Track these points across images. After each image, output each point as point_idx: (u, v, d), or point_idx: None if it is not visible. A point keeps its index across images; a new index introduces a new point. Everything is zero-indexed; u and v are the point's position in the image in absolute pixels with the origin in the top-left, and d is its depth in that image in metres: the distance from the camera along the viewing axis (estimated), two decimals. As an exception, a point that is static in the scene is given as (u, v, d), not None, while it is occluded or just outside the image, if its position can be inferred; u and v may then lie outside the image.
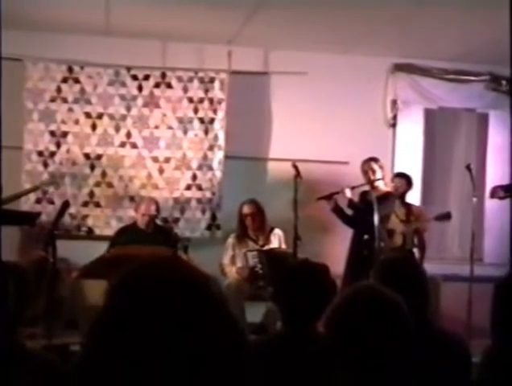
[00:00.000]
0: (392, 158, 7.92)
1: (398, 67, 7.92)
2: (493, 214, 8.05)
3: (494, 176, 8.04)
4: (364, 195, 6.82)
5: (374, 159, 6.84)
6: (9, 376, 1.70)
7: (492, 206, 7.83)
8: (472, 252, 6.44)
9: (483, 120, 8.34)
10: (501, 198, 7.03)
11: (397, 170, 7.58)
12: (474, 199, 6.52)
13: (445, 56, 7.67)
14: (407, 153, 8.02)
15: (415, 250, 7.05)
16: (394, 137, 8.04)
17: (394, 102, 7.98)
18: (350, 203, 6.78)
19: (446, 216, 6.93)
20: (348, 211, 6.87)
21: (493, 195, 7.01)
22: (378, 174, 6.75)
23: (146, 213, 6.83)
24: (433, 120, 8.23)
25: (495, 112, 8.26)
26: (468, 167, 6.55)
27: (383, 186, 6.81)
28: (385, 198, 6.63)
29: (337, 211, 6.84)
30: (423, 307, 2.88)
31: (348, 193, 6.74)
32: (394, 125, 8.03)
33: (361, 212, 6.63)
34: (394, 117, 8.01)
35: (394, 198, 6.85)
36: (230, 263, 6.83)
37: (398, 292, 2.04)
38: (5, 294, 1.78)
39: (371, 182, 6.72)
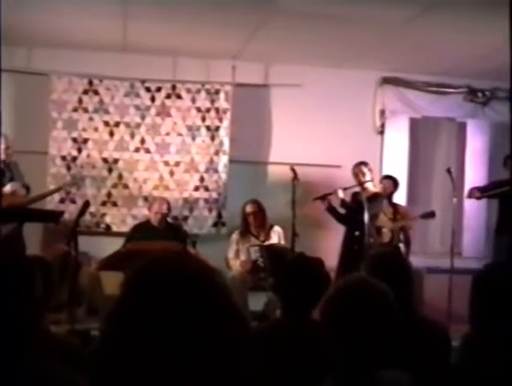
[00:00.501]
0: (380, 162, 7.91)
1: (386, 80, 7.91)
2: (472, 212, 8.05)
3: (472, 178, 8.05)
4: (355, 195, 6.81)
5: (364, 163, 6.84)
6: (34, 358, 1.70)
7: (470, 205, 7.83)
8: (452, 247, 6.42)
9: (462, 128, 8.33)
10: (477, 198, 7.06)
11: (385, 172, 7.57)
12: (454, 199, 6.51)
13: (428, 71, 7.66)
14: (394, 157, 8.01)
15: (401, 245, 7.04)
16: (382, 143, 8.02)
17: (382, 112, 7.97)
18: (343, 202, 6.79)
19: (430, 215, 6.92)
20: (341, 210, 6.88)
21: (470, 195, 7.03)
22: (368, 177, 6.75)
23: (159, 211, 6.83)
24: (417, 128, 8.22)
25: (472, 121, 8.27)
26: (448, 170, 6.53)
27: (372, 187, 6.81)
28: (374, 198, 6.62)
29: (331, 210, 6.84)
30: (408, 297, 2.87)
31: (340, 194, 6.75)
32: (382, 133, 8.02)
33: (353, 211, 6.62)
34: (382, 125, 8.00)
35: (382, 198, 6.84)
36: (234, 257, 6.82)
37: (385, 283, 2.04)
38: (32, 284, 1.79)
39: (361, 184, 6.72)
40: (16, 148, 6.64)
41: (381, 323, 1.90)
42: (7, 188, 6.25)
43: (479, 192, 6.96)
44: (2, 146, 6.40)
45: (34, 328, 1.78)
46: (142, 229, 6.80)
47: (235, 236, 6.92)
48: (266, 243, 6.76)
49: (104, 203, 7.47)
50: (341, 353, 1.91)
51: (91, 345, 2.59)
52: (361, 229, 6.30)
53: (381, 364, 1.91)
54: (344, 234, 6.86)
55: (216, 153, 7.58)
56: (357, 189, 6.76)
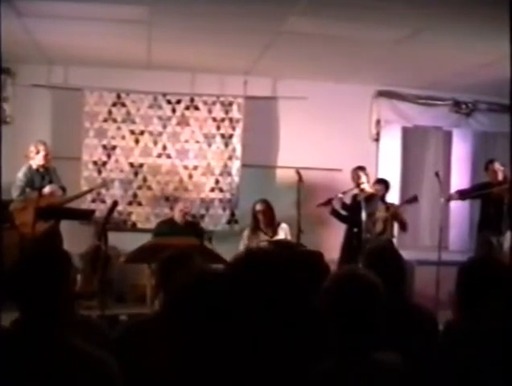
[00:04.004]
0: (376, 165, 7.89)
1: (381, 93, 7.90)
2: (457, 211, 8.03)
3: (457, 181, 8.04)
4: (355, 196, 6.82)
5: (361, 167, 6.83)
6: (70, 338, 1.72)
7: (456, 204, 7.80)
8: (440, 242, 6.41)
9: (448, 136, 8.31)
10: (461, 199, 7.06)
11: (380, 176, 7.54)
12: (441, 199, 6.50)
13: (418, 85, 7.64)
14: (388, 162, 8.00)
15: (394, 240, 7.01)
16: (378, 149, 8.01)
17: (378, 121, 7.96)
18: (343, 205, 6.83)
19: (413, 199, 6.80)
20: (342, 212, 6.89)
21: (449, 198, 7.02)
22: (364, 179, 6.74)
23: (183, 210, 6.86)
24: (409, 135, 8.20)
25: (457, 130, 8.25)
26: (436, 174, 6.52)
27: (368, 188, 6.80)
28: (370, 198, 6.61)
29: (334, 213, 6.87)
30: (401, 286, 2.86)
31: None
32: (377, 140, 8.01)
33: (352, 210, 6.64)
34: (378, 134, 7.99)
35: (377, 198, 6.82)
36: (246, 251, 6.80)
37: (381, 274, 2.03)
38: (67, 273, 1.82)
39: (359, 186, 6.71)
40: (54, 154, 6.68)
41: (370, 310, 1.89)
42: (46, 190, 6.29)
43: (457, 195, 7.00)
44: (43, 153, 6.43)
45: (69, 310, 1.81)
46: (166, 225, 6.81)
47: (246, 232, 6.92)
48: (274, 238, 6.75)
49: (130, 203, 7.49)
50: (338, 334, 1.90)
51: (117, 328, 2.60)
52: (359, 226, 6.29)
53: (375, 347, 1.90)
54: (344, 230, 6.86)
55: (230, 158, 7.59)
56: (356, 191, 6.76)
